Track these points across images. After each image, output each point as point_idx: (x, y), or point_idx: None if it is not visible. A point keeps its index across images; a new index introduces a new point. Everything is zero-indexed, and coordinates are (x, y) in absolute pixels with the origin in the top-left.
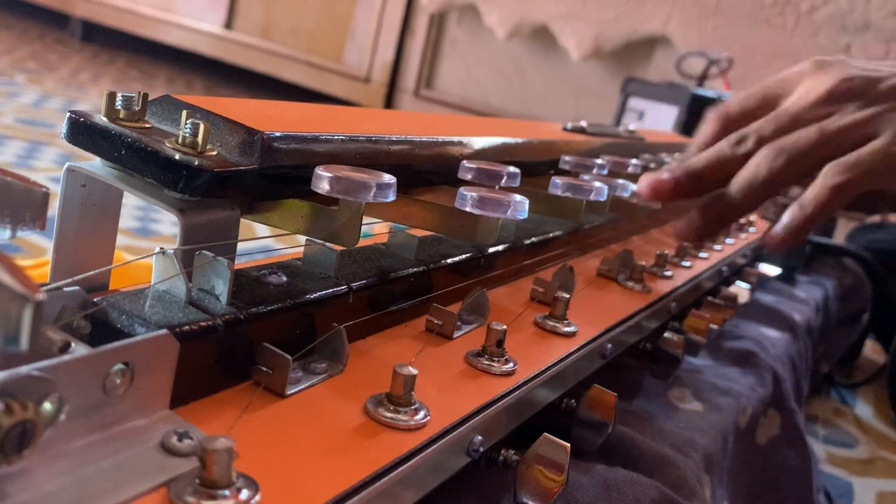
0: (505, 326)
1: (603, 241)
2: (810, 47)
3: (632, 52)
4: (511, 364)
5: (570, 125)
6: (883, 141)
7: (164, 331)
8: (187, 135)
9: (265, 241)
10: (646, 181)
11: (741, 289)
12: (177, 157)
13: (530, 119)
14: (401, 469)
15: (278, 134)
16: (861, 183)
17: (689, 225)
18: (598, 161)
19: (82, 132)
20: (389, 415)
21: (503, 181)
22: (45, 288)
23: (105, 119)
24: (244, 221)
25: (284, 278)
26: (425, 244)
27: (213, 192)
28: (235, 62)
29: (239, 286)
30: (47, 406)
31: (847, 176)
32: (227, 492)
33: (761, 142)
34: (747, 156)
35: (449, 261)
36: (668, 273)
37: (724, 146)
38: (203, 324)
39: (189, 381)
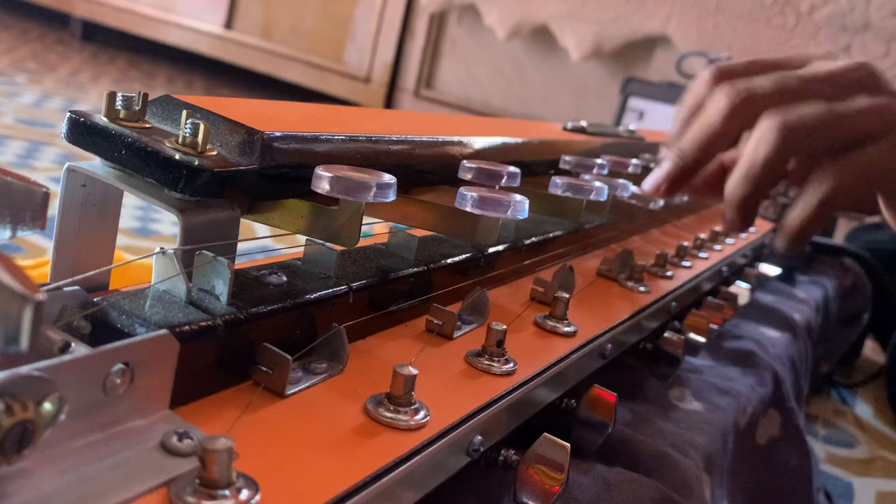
0: (505, 326)
1: (603, 241)
2: (810, 47)
3: (632, 52)
4: (511, 364)
5: (570, 125)
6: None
7: (164, 331)
8: (187, 135)
9: (265, 241)
10: (648, 182)
11: (741, 289)
12: (177, 157)
13: (530, 119)
14: (401, 469)
15: (278, 134)
16: (857, 189)
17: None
18: (598, 161)
19: (82, 132)
20: (389, 415)
21: (503, 181)
22: (45, 288)
23: (105, 119)
24: (244, 221)
25: (284, 278)
26: (425, 244)
27: (214, 192)
28: (235, 62)
29: (239, 286)
30: (47, 406)
31: (844, 179)
32: (227, 492)
33: (753, 99)
34: (735, 114)
35: (449, 261)
36: (669, 273)
37: (709, 111)
38: (203, 324)
39: (189, 381)
